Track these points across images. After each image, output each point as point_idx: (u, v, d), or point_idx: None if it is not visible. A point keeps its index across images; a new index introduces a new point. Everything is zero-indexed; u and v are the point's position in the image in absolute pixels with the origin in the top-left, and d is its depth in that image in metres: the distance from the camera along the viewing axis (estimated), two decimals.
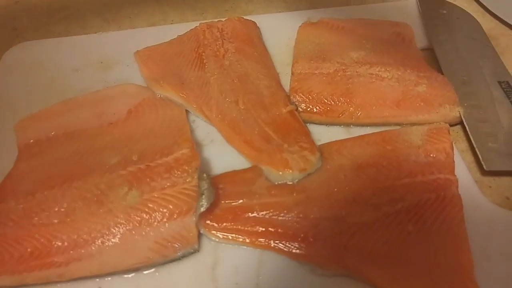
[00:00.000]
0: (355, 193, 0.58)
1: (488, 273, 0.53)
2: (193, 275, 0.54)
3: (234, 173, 0.62)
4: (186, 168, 0.59)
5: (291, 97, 0.70)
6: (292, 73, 0.74)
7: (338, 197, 0.58)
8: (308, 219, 0.57)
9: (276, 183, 0.60)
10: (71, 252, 0.53)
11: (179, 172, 0.58)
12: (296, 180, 0.60)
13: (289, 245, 0.55)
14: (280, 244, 0.55)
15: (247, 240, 0.56)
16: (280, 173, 0.60)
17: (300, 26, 0.83)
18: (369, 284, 0.52)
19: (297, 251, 0.55)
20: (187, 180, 0.58)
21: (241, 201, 0.58)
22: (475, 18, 0.86)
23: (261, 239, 0.56)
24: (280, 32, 0.83)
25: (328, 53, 0.76)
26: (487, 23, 0.85)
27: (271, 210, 0.57)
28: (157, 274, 0.55)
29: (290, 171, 0.60)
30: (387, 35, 0.81)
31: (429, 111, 0.68)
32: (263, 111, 0.67)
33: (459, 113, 0.68)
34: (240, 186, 0.60)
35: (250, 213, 0.58)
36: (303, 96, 0.69)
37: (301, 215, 0.57)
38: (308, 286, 0.53)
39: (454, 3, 0.90)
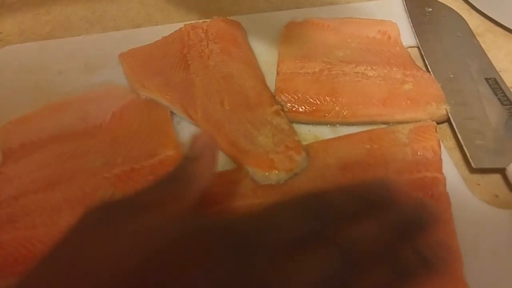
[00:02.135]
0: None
1: (477, 271, 0.53)
2: None
3: (220, 174, 0.61)
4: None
5: (277, 97, 0.69)
6: (277, 73, 0.73)
7: None
8: None
9: (262, 184, 0.60)
10: None
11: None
12: (282, 181, 0.60)
13: None
14: None
15: None
16: (266, 173, 0.59)
17: (285, 26, 0.83)
18: None
19: None
20: None
21: (226, 202, 0.58)
22: (461, 16, 0.86)
23: None
24: (265, 32, 0.83)
25: (313, 53, 0.75)
26: (473, 20, 0.85)
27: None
28: None
29: (276, 171, 0.59)
30: (372, 34, 0.81)
31: (416, 109, 0.68)
32: (248, 111, 0.67)
33: (446, 111, 0.68)
34: (225, 187, 0.60)
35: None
36: (289, 96, 0.69)
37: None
38: None
39: (440, 0, 0.90)
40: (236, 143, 0.63)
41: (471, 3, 0.88)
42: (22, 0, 0.93)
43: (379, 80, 0.71)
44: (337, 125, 0.68)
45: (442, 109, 0.68)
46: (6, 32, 0.87)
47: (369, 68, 0.72)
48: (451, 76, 0.73)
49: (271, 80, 0.74)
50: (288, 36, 0.80)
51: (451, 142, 0.67)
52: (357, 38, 0.80)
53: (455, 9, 0.87)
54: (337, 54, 0.75)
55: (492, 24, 0.85)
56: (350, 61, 0.74)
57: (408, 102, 0.68)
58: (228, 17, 0.84)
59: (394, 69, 0.72)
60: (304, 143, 0.65)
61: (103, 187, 0.58)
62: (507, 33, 0.83)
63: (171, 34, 0.80)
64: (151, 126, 0.66)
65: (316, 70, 0.72)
